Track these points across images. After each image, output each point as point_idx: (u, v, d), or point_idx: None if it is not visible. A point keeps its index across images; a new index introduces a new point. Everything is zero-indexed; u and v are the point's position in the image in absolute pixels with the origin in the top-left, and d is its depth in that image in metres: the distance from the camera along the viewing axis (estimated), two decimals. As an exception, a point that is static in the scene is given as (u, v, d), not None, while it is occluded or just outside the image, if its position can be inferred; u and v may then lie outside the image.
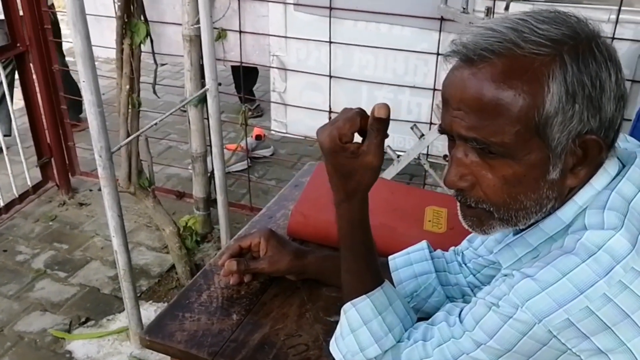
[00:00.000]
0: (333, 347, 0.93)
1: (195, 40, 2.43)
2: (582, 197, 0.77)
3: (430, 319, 0.88)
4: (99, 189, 3.09)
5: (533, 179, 0.76)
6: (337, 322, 0.96)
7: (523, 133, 0.72)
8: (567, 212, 0.78)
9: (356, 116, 0.86)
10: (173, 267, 2.56)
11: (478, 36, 0.74)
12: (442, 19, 2.21)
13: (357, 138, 0.87)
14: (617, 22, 1.97)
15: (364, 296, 0.91)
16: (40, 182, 3.14)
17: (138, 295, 2.15)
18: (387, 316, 0.90)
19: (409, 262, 1.11)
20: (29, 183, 3.05)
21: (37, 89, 2.94)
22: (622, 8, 1.97)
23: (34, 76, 2.91)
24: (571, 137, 0.73)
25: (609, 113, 0.74)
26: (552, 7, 0.77)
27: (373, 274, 0.94)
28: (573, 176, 0.77)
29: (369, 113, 0.86)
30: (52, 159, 3.11)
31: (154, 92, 2.67)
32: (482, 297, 0.78)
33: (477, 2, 2.09)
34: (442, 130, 0.81)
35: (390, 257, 1.14)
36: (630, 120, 1.84)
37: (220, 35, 2.55)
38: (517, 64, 0.71)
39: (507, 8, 1.96)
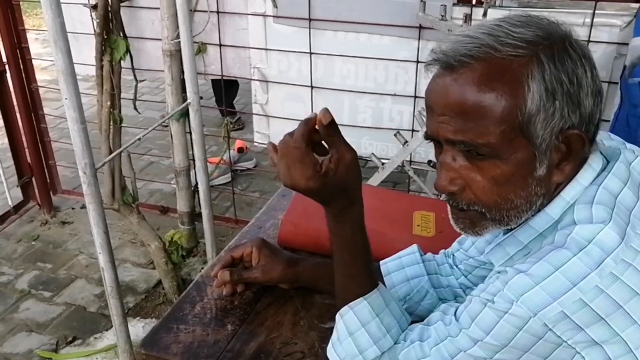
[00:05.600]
0: (330, 353, 0.94)
1: (175, 55, 2.43)
2: (569, 192, 0.79)
3: (425, 320, 0.89)
4: (82, 207, 3.10)
5: (521, 177, 0.78)
6: (331, 329, 0.96)
7: (508, 132, 0.75)
8: (555, 208, 0.80)
9: (301, 133, 0.86)
10: (159, 282, 2.54)
11: (457, 43, 0.76)
12: (420, 27, 2.24)
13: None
14: (592, 25, 2.02)
15: (361, 299, 0.91)
16: (21, 202, 3.10)
17: (125, 312, 2.13)
18: (385, 317, 0.91)
19: (400, 266, 1.13)
20: (10, 203, 3.02)
21: (16, 108, 2.91)
22: (596, 12, 2.02)
23: (13, 95, 2.88)
24: (554, 133, 0.76)
25: (588, 108, 0.76)
26: (525, 12, 0.80)
27: (370, 275, 0.94)
28: (559, 172, 0.79)
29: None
30: (33, 178, 3.07)
31: (135, 107, 2.66)
32: (476, 294, 0.79)
33: (455, 9, 2.12)
34: (427, 137, 0.83)
35: (381, 262, 1.15)
36: (608, 121, 1.88)
37: (201, 49, 2.55)
38: (496, 66, 0.74)
39: (485, 15, 2.00)
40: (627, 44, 1.96)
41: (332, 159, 0.86)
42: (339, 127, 0.88)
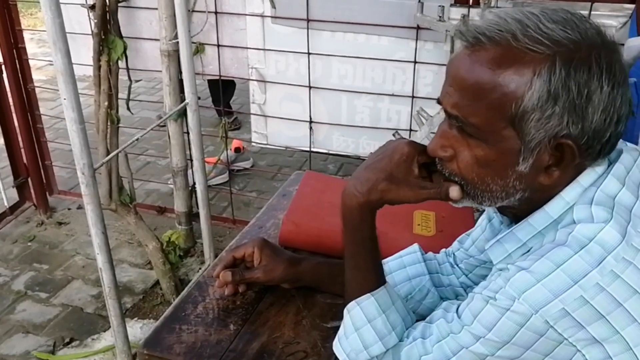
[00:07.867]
0: (337, 347, 0.94)
1: (173, 55, 2.43)
2: (569, 193, 0.80)
3: (427, 318, 0.90)
4: (78, 208, 3.09)
5: (501, 165, 0.79)
6: (334, 328, 0.97)
7: (497, 120, 0.76)
8: (554, 207, 0.80)
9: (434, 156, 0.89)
10: (157, 283, 2.53)
11: (484, 22, 0.77)
12: (418, 28, 2.24)
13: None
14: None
15: (368, 295, 0.92)
16: (17, 203, 3.09)
17: (123, 312, 2.12)
18: (391, 315, 0.92)
19: (402, 265, 1.13)
20: (5, 204, 3.00)
21: (13, 108, 2.90)
22: (591, 13, 2.03)
23: (9, 95, 2.88)
24: (547, 136, 0.75)
25: (594, 124, 0.74)
26: (572, 9, 0.78)
27: (379, 271, 0.95)
28: (546, 175, 0.79)
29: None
30: (29, 179, 3.06)
31: (128, 108, 2.65)
32: (478, 291, 0.80)
33: (452, 10, 2.13)
34: (438, 101, 0.85)
35: (383, 261, 1.15)
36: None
37: (198, 49, 2.55)
38: (508, 54, 0.74)
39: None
40: (622, 44, 1.97)
41: (426, 179, 0.89)
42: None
